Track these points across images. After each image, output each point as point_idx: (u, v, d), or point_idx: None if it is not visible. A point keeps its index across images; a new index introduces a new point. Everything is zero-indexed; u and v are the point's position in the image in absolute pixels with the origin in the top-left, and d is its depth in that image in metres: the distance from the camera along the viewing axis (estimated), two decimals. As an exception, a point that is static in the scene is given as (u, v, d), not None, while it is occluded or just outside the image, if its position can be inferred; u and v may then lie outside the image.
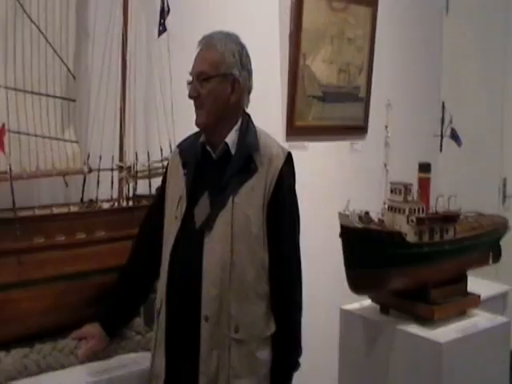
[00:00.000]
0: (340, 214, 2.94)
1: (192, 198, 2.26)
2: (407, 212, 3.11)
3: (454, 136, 3.55)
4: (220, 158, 2.28)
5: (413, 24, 4.52)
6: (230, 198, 2.18)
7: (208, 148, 2.31)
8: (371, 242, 2.97)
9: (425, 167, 3.31)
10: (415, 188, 3.22)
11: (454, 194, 3.27)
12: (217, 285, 2.16)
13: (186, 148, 2.39)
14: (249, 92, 2.33)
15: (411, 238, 3.08)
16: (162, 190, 2.48)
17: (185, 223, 2.25)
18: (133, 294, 2.47)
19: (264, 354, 2.24)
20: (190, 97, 2.26)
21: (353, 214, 2.96)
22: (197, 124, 2.28)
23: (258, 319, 2.22)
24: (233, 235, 2.17)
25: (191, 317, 2.17)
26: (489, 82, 4.62)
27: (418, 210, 3.13)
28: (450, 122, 3.46)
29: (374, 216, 3.14)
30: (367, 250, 2.96)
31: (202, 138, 2.33)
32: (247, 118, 2.33)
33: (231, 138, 2.26)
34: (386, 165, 3.26)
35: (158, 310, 2.32)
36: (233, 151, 2.25)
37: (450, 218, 3.23)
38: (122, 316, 2.51)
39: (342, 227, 2.95)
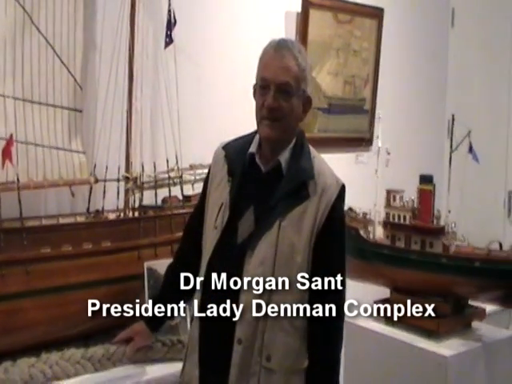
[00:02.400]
0: None
1: (235, 210, 2.14)
2: (383, 216, 3.35)
3: (472, 151, 3.47)
4: (269, 173, 2.15)
5: (418, 36, 4.53)
6: (277, 221, 2.06)
7: (258, 161, 2.17)
8: None
9: (425, 179, 3.32)
10: (408, 196, 3.33)
11: (451, 209, 3.34)
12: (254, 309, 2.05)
13: (233, 153, 2.22)
14: None
15: (383, 240, 3.34)
16: (204, 189, 2.35)
17: (224, 235, 2.13)
18: (177, 291, 2.31)
19: None
20: (271, 107, 2.06)
21: None
22: (266, 136, 2.11)
23: (291, 351, 2.09)
24: (276, 260, 2.05)
25: (225, 336, 2.08)
26: (495, 94, 4.61)
27: (398, 217, 3.28)
28: (468, 136, 3.40)
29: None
30: None
31: (253, 148, 2.17)
32: (302, 136, 2.20)
33: (284, 157, 2.13)
34: (376, 171, 3.44)
35: (191, 317, 2.27)
36: (284, 171, 2.12)
37: (420, 230, 3.25)
38: (166, 312, 2.39)
39: None
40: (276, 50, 2.10)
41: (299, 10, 3.75)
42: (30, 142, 2.60)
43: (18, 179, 2.49)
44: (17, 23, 2.55)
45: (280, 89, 2.05)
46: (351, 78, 4.09)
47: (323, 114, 3.96)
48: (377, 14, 4.16)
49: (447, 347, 3.09)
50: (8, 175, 2.49)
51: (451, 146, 3.43)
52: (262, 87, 2.09)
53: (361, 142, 4.16)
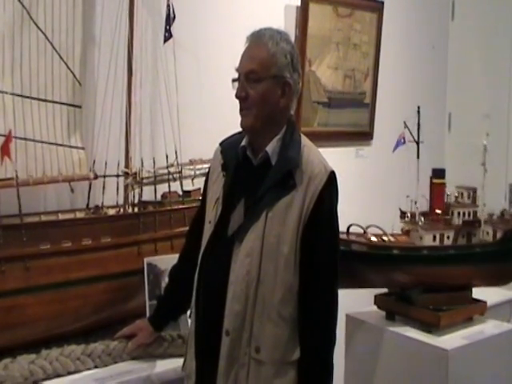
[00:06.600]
0: None
1: (228, 203, 2.15)
2: None
3: (399, 140, 3.50)
4: (260, 165, 2.16)
5: (418, 29, 4.52)
6: (264, 212, 2.07)
7: (249, 153, 2.19)
8: None
9: (437, 173, 3.40)
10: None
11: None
12: (241, 301, 2.06)
13: (228, 148, 2.25)
14: (297, 95, 2.20)
15: None
16: (205, 186, 2.38)
17: (218, 229, 2.15)
18: (181, 291, 2.37)
19: (285, 380, 2.09)
20: (238, 97, 2.12)
21: None
22: (242, 126, 2.15)
23: (281, 342, 2.08)
24: (262, 251, 2.06)
25: (214, 328, 2.09)
26: (494, 86, 4.60)
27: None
28: (404, 124, 3.46)
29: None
30: None
31: (244, 142, 2.20)
32: (292, 127, 2.19)
33: (272, 147, 2.13)
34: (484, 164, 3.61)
35: (190, 312, 2.29)
36: (273, 161, 2.12)
37: None
38: (170, 312, 2.46)
39: None
40: (247, 43, 2.16)
41: (299, 3, 3.75)
42: (29, 138, 2.60)
43: (16, 175, 2.48)
44: (15, 19, 2.55)
45: (247, 78, 2.10)
46: (351, 72, 4.09)
47: (323, 108, 3.96)
48: (377, 7, 4.15)
49: (448, 341, 3.09)
50: (7, 171, 2.49)
51: (418, 137, 3.47)
52: (236, 80, 2.15)
53: (361, 135, 4.17)
